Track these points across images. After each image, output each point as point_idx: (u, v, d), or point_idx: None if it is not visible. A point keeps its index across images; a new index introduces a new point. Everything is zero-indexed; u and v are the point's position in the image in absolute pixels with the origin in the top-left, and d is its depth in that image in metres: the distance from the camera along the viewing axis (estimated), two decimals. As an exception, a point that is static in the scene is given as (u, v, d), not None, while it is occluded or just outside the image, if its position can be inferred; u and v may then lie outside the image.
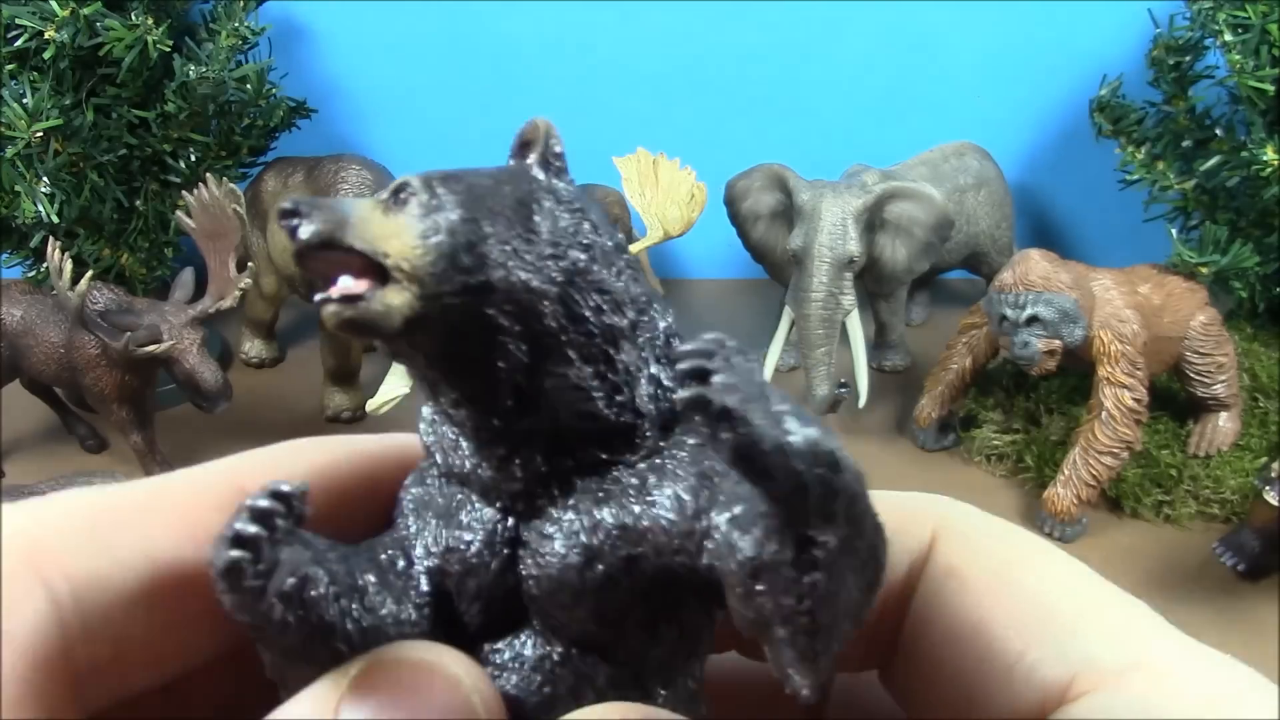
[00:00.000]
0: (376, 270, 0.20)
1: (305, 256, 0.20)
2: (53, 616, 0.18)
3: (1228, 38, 1.00)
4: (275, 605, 0.19)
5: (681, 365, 0.17)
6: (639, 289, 0.22)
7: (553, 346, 0.21)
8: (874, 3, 1.33)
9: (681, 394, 0.17)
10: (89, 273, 0.92)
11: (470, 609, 0.22)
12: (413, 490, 0.24)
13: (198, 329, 0.94)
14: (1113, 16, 1.30)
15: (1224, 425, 1.02)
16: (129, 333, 0.92)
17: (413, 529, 0.23)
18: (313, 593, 0.20)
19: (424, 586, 0.22)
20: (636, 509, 0.21)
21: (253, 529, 0.19)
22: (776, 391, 0.17)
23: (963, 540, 0.23)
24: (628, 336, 0.21)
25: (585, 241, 0.21)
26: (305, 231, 0.19)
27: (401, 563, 0.23)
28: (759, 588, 0.18)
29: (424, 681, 0.20)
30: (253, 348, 1.28)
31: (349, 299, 0.19)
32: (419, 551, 0.23)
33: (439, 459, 0.23)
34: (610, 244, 0.22)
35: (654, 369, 0.22)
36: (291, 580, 0.20)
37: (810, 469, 0.17)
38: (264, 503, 0.20)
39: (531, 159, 0.23)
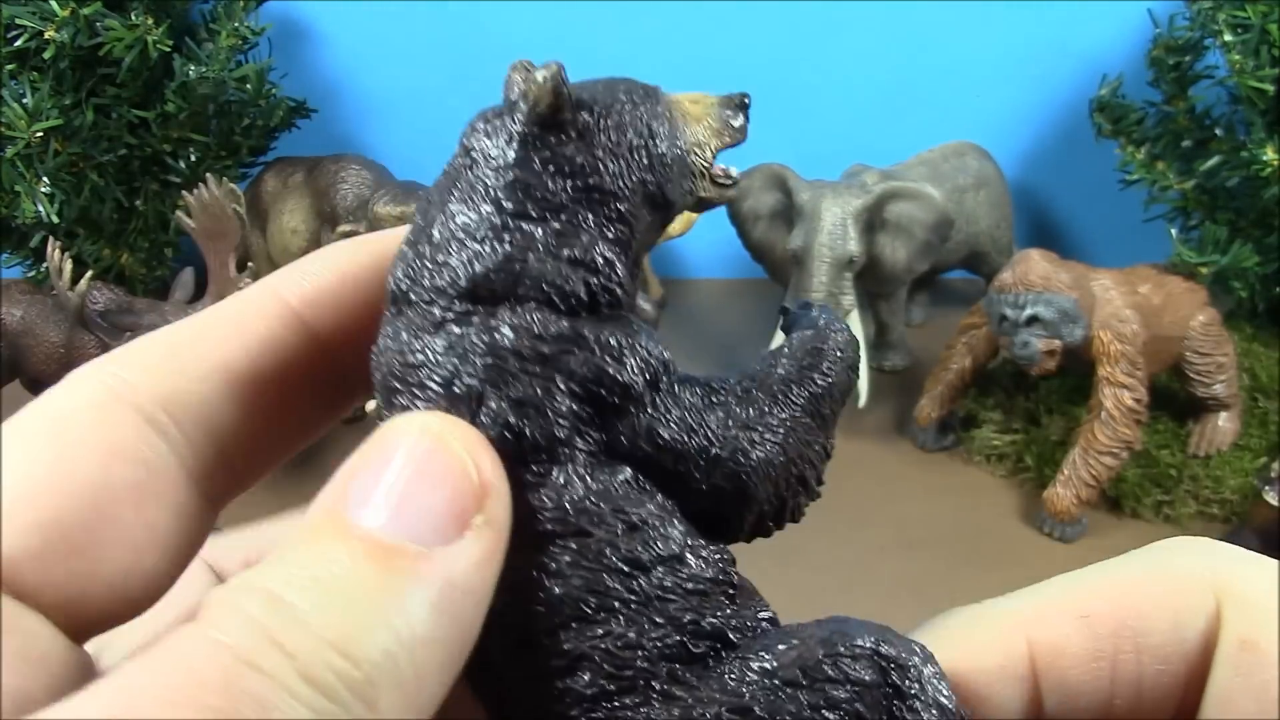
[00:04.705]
0: None
1: None
2: (154, 435, 0.21)
3: (1228, 38, 1.00)
4: None
5: None
6: None
7: None
8: (874, 3, 1.33)
9: None
10: (89, 273, 0.92)
11: None
12: None
13: (198, 329, 0.94)
14: (1113, 16, 1.30)
15: (1224, 425, 1.02)
16: (129, 333, 0.92)
17: None
18: None
19: None
20: None
21: None
22: None
23: (1253, 605, 0.20)
24: None
25: None
26: None
27: None
28: None
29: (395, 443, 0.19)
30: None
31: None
32: None
33: None
34: None
35: None
36: None
37: None
38: None
39: None
